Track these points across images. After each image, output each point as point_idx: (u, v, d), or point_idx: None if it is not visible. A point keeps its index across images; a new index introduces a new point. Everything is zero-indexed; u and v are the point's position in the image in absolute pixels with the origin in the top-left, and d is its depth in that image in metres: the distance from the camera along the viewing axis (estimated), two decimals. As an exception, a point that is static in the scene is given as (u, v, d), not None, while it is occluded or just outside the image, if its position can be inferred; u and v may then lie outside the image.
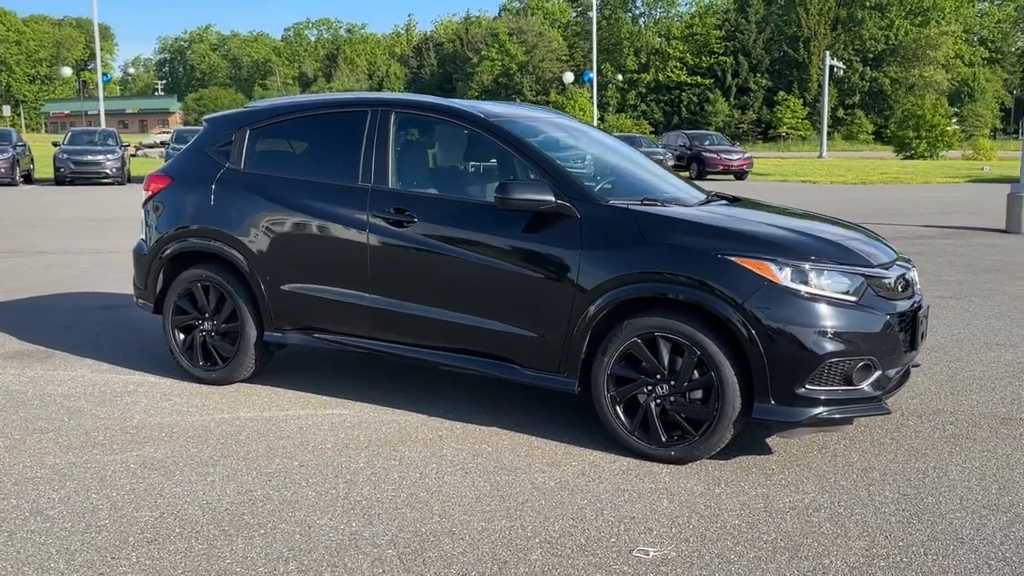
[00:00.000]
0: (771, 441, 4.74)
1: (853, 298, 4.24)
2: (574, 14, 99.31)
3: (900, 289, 4.51)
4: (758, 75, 76.81)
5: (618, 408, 4.49)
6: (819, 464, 4.43)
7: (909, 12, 74.99)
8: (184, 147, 6.32)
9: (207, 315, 5.71)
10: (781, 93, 75.07)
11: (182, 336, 5.83)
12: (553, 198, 4.59)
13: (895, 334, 4.35)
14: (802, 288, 4.18)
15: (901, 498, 4.01)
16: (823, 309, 4.16)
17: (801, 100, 74.37)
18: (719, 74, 77.66)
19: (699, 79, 78.11)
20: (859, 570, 3.37)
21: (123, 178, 28.08)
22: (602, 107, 76.73)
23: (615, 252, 4.48)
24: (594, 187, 5.00)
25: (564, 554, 3.49)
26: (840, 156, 55.13)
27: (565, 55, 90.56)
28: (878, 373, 4.29)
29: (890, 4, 74.88)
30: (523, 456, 4.54)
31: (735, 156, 32.45)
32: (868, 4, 74.85)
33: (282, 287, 5.41)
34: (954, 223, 16.48)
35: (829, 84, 62.20)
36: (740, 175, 32.15)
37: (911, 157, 48.18)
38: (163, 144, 42.46)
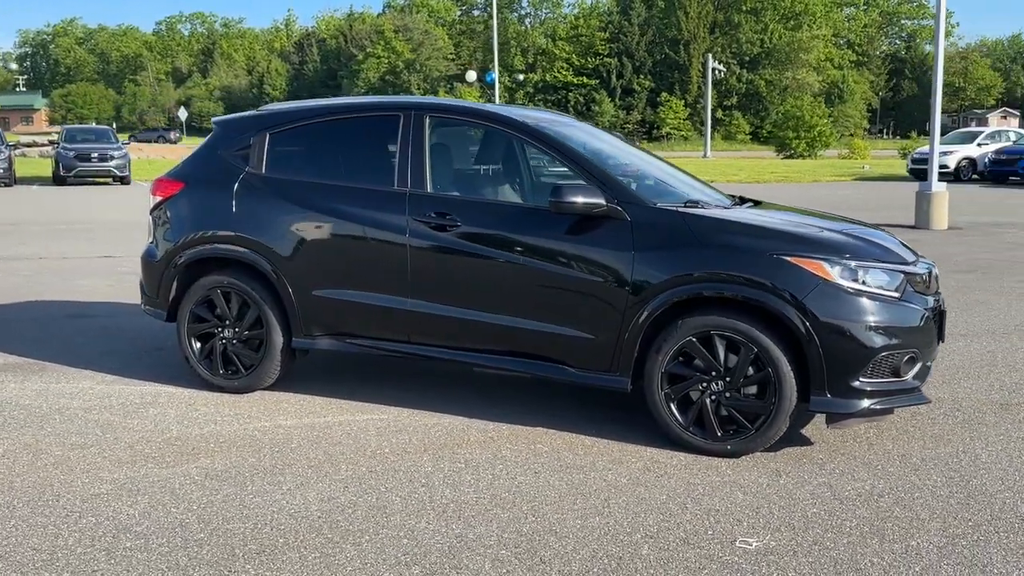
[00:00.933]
0: (807, 432, 5.01)
1: (896, 294, 4.53)
2: (459, 12, 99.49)
3: (929, 284, 4.83)
4: (641, 76, 78.67)
5: (672, 405, 4.67)
6: (861, 453, 4.71)
7: (782, 16, 78.12)
8: (193, 152, 6.19)
9: (228, 322, 5.63)
10: (664, 94, 77.12)
11: (199, 344, 5.72)
12: (604, 201, 4.74)
13: (931, 327, 4.67)
14: (853, 285, 4.45)
15: (949, 482, 4.32)
16: (873, 305, 4.44)
17: (683, 101, 76.55)
18: (604, 75, 79.16)
19: (585, 79, 79.47)
20: (945, 550, 3.63)
21: (10, 179, 26.74)
22: (490, 106, 77.29)
23: (670, 253, 4.65)
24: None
25: (671, 547, 3.64)
26: (723, 156, 57.05)
27: (451, 54, 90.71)
28: (920, 364, 4.61)
29: (764, 8, 77.84)
30: (582, 455, 4.67)
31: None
32: (744, 8, 77.62)
33: (314, 292, 5.39)
34: (865, 220, 17.35)
35: (709, 86, 64.30)
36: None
37: (791, 156, 50.29)
38: (51, 144, 40.38)
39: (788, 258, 4.48)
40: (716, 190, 5.98)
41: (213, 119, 6.18)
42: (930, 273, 4.88)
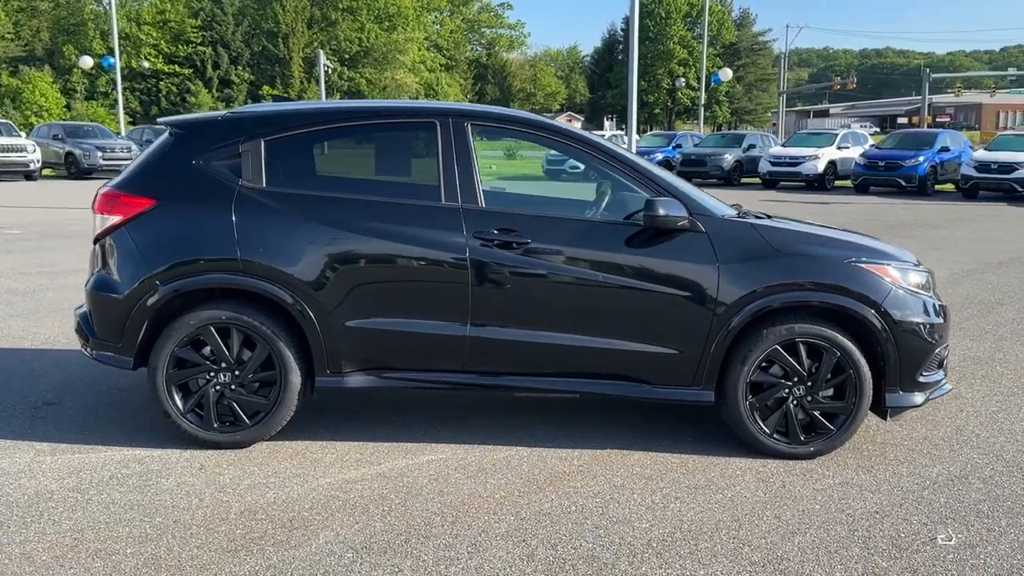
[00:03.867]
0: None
1: (929, 293, 5.08)
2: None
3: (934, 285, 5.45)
4: (240, 68, 75.90)
5: (756, 414, 4.84)
6: (899, 441, 5.19)
7: (377, 17, 79.78)
8: (143, 159, 5.08)
9: (225, 365, 4.77)
10: (265, 87, 75.18)
11: (180, 395, 4.79)
12: (687, 214, 4.76)
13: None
14: (910, 287, 4.93)
15: (995, 460, 4.92)
16: (924, 304, 4.95)
17: (286, 96, 75.17)
18: (199, 64, 75.19)
19: (178, 68, 74.86)
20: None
21: None
22: (67, 93, 70.14)
23: (753, 264, 4.79)
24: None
25: (885, 552, 3.84)
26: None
27: (10, 32, 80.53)
28: (947, 356, 5.21)
29: (360, 8, 78.93)
30: (707, 474, 4.65)
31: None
32: (341, 6, 78.09)
33: (347, 323, 4.76)
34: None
35: (314, 82, 63.91)
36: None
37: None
38: None
39: (862, 264, 4.85)
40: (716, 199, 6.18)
41: (167, 120, 5.15)
42: (932, 273, 5.51)
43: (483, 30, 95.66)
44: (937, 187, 26.20)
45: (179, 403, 4.81)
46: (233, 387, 4.81)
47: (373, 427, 5.26)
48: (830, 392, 4.86)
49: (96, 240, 4.91)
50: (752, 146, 31.29)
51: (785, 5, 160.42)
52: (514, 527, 3.98)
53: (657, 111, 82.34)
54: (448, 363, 4.87)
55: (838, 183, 28.11)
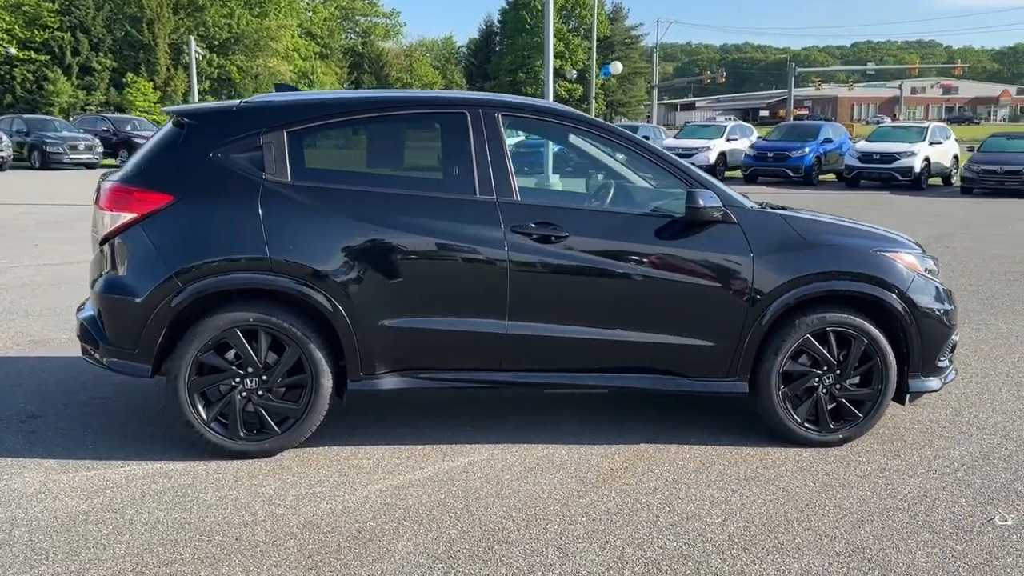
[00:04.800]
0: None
1: (939, 279, 5.24)
2: None
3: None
4: (101, 55, 72.30)
5: (788, 403, 4.91)
6: (909, 425, 5.36)
7: (247, 3, 77.46)
8: (151, 150, 4.72)
9: (252, 370, 4.51)
10: (129, 75, 71.85)
11: (203, 403, 4.51)
12: (723, 204, 4.77)
13: None
14: (927, 274, 5.08)
15: (1005, 440, 5.10)
16: (939, 290, 5.10)
17: (152, 83, 72.15)
18: (57, 51, 71.23)
19: (34, 55, 70.73)
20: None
21: None
22: (-91, 80, 65.56)
23: (785, 255, 4.83)
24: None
25: (953, 535, 3.94)
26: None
27: None
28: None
29: (229, -7, 76.44)
30: (749, 465, 4.67)
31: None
32: (209, -9, 75.42)
33: (382, 323, 4.57)
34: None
35: (181, 70, 61.60)
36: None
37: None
38: None
39: (886, 254, 4.97)
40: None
41: (174, 110, 4.80)
42: (936, 260, 5.67)
43: (358, 18, 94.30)
44: (821, 177, 27.33)
45: (202, 412, 4.53)
46: (260, 393, 4.56)
47: (397, 430, 5.08)
48: (857, 379, 4.96)
49: (105, 239, 4.55)
50: (646, 137, 31.80)
51: (651, 0, 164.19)
52: (591, 528, 3.91)
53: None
54: (486, 361, 4.75)
55: (728, 174, 28.95)
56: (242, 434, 4.56)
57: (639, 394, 5.62)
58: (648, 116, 65.10)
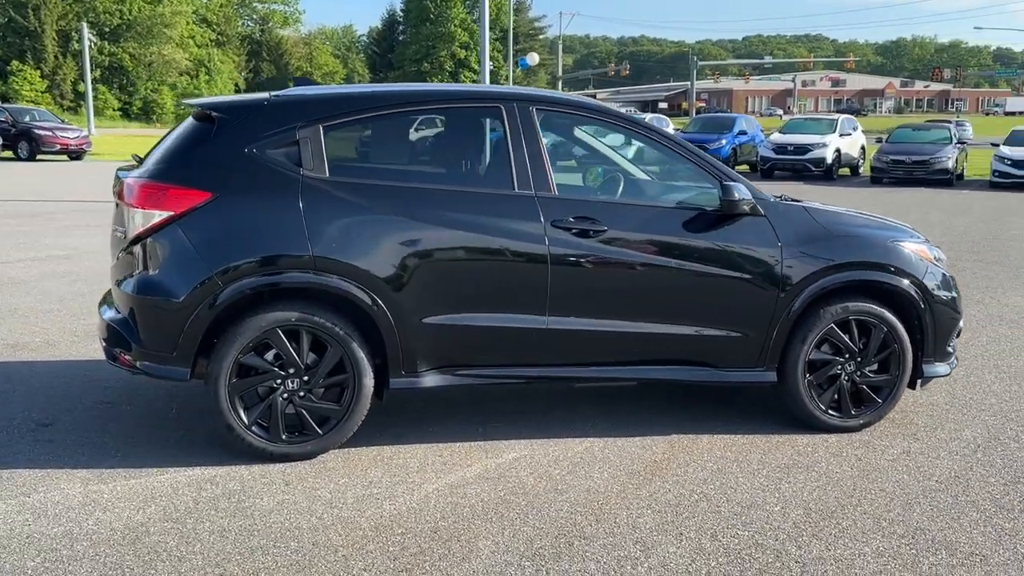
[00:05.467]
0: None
1: (945, 267, 5.45)
2: None
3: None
4: (-16, 41, 68.89)
5: (813, 391, 5.05)
6: (914, 408, 5.58)
7: (140, -12, 74.82)
8: (179, 145, 4.54)
9: (294, 370, 4.42)
10: (15, 63, 68.59)
11: (243, 406, 4.39)
12: (752, 197, 4.88)
13: None
14: (937, 263, 5.28)
15: (1007, 421, 5.33)
16: (946, 277, 5.29)
17: (39, 72, 69.04)
18: (-66, 36, 67.60)
19: (-91, 40, 66.93)
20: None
21: None
22: None
23: (811, 246, 4.95)
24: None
25: (999, 513, 4.09)
26: (113, 132, 53.50)
27: None
28: None
29: (121, -22, 73.68)
30: (783, 452, 4.78)
31: (71, 134, 29.58)
32: (99, -25, 72.50)
33: (425, 320, 4.52)
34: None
35: (70, 57, 59.11)
36: (78, 155, 29.52)
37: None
38: None
39: (902, 243, 5.16)
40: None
41: (201, 103, 4.62)
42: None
43: (255, 5, 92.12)
44: (737, 168, 28.03)
45: (243, 415, 4.40)
46: (302, 394, 4.46)
47: (429, 428, 5.03)
48: (875, 366, 5.14)
49: (138, 239, 4.36)
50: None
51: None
52: (660, 520, 3.95)
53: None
54: (525, 357, 4.75)
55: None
56: (284, 436, 4.45)
57: (660, 385, 5.67)
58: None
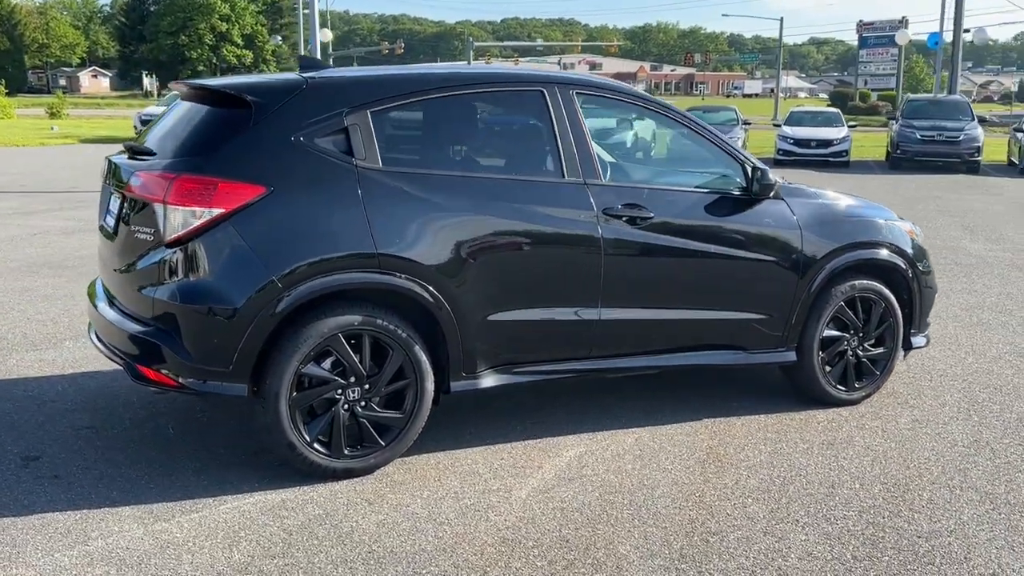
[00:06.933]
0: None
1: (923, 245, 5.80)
2: None
3: None
4: None
5: (826, 367, 5.24)
6: (897, 379, 5.90)
7: None
8: (208, 133, 3.98)
9: (354, 379, 4.06)
10: None
11: (303, 421, 3.99)
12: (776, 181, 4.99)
13: None
14: (919, 240, 5.61)
15: (991, 391, 5.64)
16: (926, 253, 5.61)
17: None
18: None
19: None
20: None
21: None
22: None
23: (825, 227, 5.11)
24: None
25: (1031, 473, 4.47)
26: None
27: None
28: None
29: None
30: (810, 430, 4.89)
31: None
32: None
33: (489, 317, 4.29)
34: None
35: None
36: None
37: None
38: None
39: (895, 223, 5.44)
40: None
41: (231, 85, 4.07)
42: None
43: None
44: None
45: (304, 431, 3.98)
46: (363, 404, 4.09)
47: (465, 429, 4.76)
48: (873, 340, 5.40)
49: (179, 241, 3.81)
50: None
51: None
52: (769, 509, 3.94)
53: (201, 68, 78.40)
54: (577, 350, 4.61)
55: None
56: (346, 451, 4.08)
57: (665, 372, 5.66)
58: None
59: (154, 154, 4.12)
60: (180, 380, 3.87)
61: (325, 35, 36.05)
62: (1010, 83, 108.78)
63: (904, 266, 5.37)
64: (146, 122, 29.22)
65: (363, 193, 4.02)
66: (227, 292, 3.82)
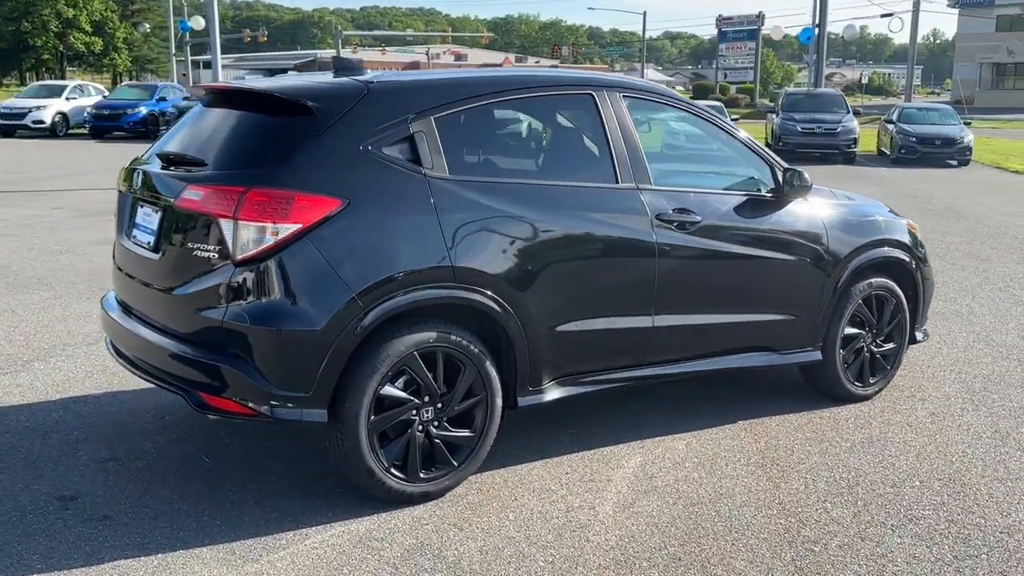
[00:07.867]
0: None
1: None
2: None
3: None
4: None
5: (846, 365, 5.33)
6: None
7: None
8: (267, 141, 3.69)
9: (428, 398, 3.87)
10: None
11: (380, 445, 3.78)
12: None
13: None
14: (919, 237, 5.78)
15: (992, 378, 5.89)
16: (926, 249, 5.81)
17: None
18: None
19: None
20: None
21: None
22: None
23: (846, 227, 5.19)
24: None
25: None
26: None
27: None
28: None
29: None
30: (844, 427, 4.96)
31: None
32: None
33: (558, 328, 4.16)
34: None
35: None
36: None
37: None
38: None
39: (899, 220, 5.59)
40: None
41: (286, 89, 3.77)
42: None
43: None
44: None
45: (382, 456, 3.76)
46: (436, 424, 3.90)
47: (513, 443, 4.57)
48: (883, 336, 5.53)
49: (253, 259, 3.51)
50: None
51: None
52: (854, 512, 3.97)
53: (46, 56, 73.95)
54: (634, 358, 4.53)
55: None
56: (422, 474, 3.87)
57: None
58: (185, 74, 60.51)
59: (204, 164, 3.79)
60: (252, 407, 3.58)
61: (198, 23, 34.42)
62: (852, 75, 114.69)
63: (910, 261, 5.52)
64: (7, 115, 27.61)
65: (436, 203, 3.81)
66: (308, 312, 3.55)
